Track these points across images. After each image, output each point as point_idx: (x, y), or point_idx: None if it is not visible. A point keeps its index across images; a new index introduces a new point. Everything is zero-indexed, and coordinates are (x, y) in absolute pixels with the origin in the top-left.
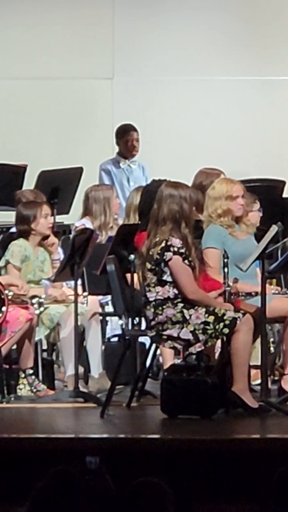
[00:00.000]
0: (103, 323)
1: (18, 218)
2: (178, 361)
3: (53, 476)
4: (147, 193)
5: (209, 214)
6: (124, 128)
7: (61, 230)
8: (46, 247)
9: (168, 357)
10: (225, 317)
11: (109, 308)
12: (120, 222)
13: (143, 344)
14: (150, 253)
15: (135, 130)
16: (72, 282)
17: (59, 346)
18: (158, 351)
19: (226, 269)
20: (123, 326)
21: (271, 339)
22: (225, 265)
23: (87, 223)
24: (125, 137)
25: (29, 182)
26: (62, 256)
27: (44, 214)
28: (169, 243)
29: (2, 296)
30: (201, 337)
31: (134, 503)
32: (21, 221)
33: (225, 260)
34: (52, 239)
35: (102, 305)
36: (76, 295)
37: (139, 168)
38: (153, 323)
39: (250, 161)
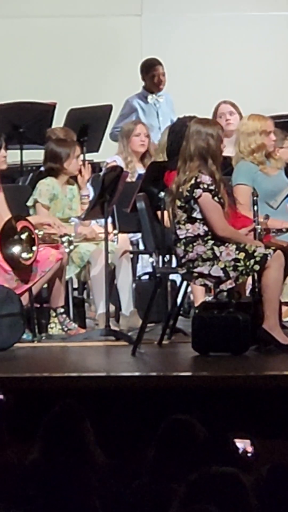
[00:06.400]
0: (134, 261)
1: (49, 155)
2: (209, 298)
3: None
4: (173, 132)
5: (240, 150)
6: (150, 62)
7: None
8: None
9: (199, 295)
10: (255, 254)
11: (140, 246)
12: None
13: (174, 281)
14: (180, 190)
15: (161, 64)
16: (102, 220)
17: (90, 285)
18: (189, 289)
19: (255, 207)
20: (154, 264)
21: None
22: (255, 203)
23: (119, 159)
24: (151, 72)
25: (58, 121)
26: (91, 194)
27: (77, 155)
28: (198, 180)
29: (33, 236)
30: (232, 274)
31: (166, 440)
32: (53, 158)
33: (255, 198)
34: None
35: (132, 243)
36: (107, 233)
37: (166, 101)
38: (183, 260)
39: (278, 98)
